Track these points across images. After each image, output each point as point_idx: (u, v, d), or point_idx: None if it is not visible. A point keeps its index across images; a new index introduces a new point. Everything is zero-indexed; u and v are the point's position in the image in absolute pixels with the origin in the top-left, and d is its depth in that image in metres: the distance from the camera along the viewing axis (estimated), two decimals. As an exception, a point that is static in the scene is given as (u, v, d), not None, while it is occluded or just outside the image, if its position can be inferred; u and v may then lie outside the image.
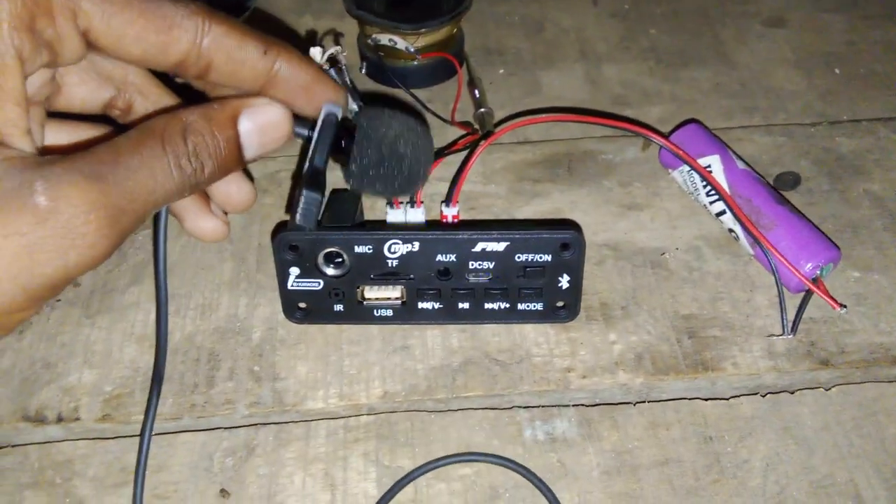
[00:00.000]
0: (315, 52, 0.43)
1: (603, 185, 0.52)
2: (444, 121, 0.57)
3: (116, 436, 0.41)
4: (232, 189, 0.38)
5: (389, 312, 0.44)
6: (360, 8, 0.57)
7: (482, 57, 0.63)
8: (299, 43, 0.64)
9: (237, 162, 0.34)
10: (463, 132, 0.55)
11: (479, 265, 0.43)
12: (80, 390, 0.43)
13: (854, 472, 0.40)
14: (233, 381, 0.43)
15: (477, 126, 0.55)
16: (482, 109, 0.56)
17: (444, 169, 0.53)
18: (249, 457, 0.40)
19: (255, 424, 0.42)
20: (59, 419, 0.42)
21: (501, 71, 0.62)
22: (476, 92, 0.58)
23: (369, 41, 0.58)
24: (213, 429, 0.42)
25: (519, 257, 0.42)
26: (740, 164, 0.48)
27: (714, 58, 0.62)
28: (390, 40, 0.57)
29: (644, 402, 0.43)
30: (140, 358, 0.44)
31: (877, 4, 0.67)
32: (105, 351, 0.44)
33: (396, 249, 0.42)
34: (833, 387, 0.43)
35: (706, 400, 0.43)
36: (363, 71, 0.60)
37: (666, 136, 0.49)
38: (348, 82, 0.43)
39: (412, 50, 0.57)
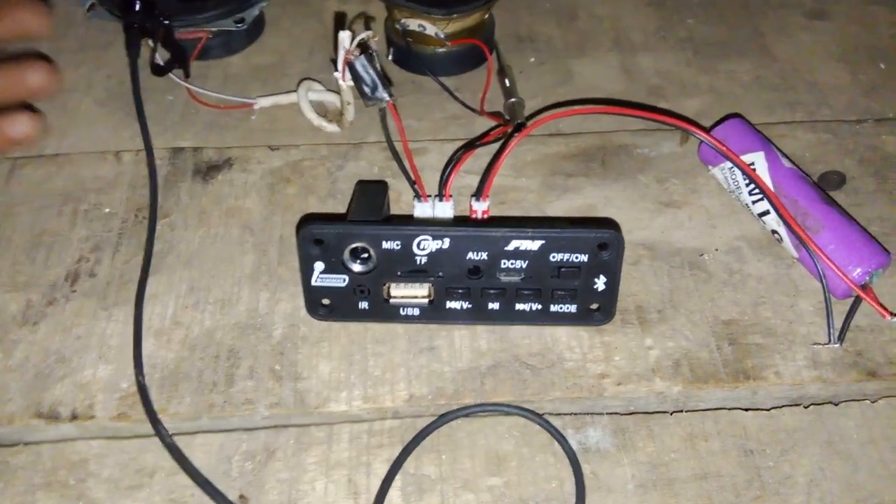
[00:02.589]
0: (344, 36, 0.41)
1: (639, 181, 0.50)
2: (473, 111, 0.55)
3: (133, 435, 0.40)
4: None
5: (416, 311, 0.43)
6: (388, -9, 0.55)
7: (513, 44, 0.60)
8: (327, 28, 0.62)
9: None
10: (493, 123, 0.53)
11: (512, 264, 0.41)
12: (95, 386, 0.41)
13: (904, 491, 0.38)
14: (253, 380, 0.41)
15: (508, 117, 0.53)
16: (513, 99, 0.54)
17: (474, 161, 0.51)
18: (269, 461, 0.39)
19: (276, 426, 0.40)
20: (74, 416, 0.40)
21: (532, 59, 0.59)
22: (506, 81, 0.55)
23: (397, 26, 0.55)
24: (231, 430, 0.40)
25: (554, 257, 0.40)
26: (786, 162, 0.46)
27: (754, 50, 0.60)
28: (420, 25, 0.54)
29: (681, 411, 0.41)
30: (157, 353, 0.42)
31: (925, -4, 0.64)
32: (121, 345, 0.43)
33: (426, 246, 0.40)
34: (879, 399, 0.41)
35: (746, 410, 0.41)
36: (390, 57, 0.58)
37: (707, 131, 0.46)
38: (378, 69, 0.42)
39: (442, 36, 0.55)
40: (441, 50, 0.56)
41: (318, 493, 0.38)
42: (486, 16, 0.57)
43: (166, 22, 0.52)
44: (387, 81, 0.41)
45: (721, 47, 0.60)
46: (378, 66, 0.41)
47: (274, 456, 0.39)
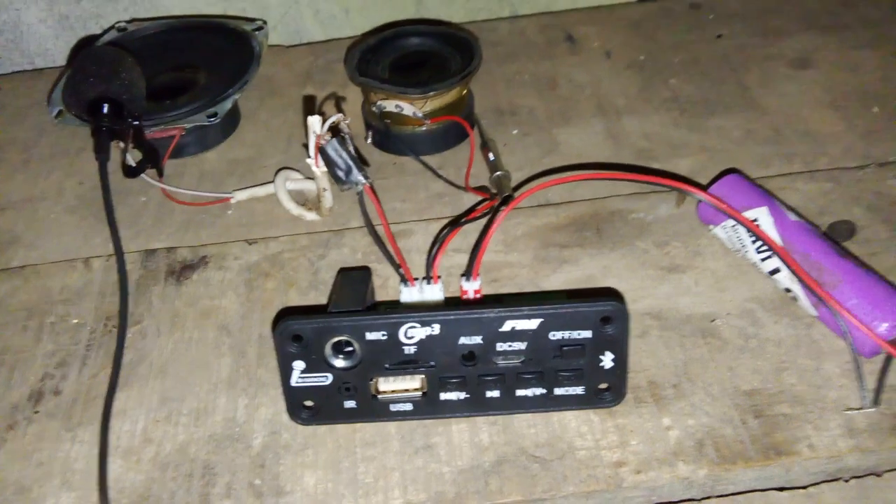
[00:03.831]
0: (314, 120, 0.39)
1: (637, 247, 0.47)
2: (458, 187, 0.52)
3: (99, 571, 0.36)
4: None
5: (409, 406, 0.39)
6: (363, 75, 0.54)
7: (494, 118, 0.59)
8: (299, 113, 0.60)
9: None
10: (479, 198, 0.51)
11: (509, 346, 0.37)
12: (57, 518, 0.37)
13: (974, 573, 0.33)
14: (230, 499, 0.37)
15: (494, 190, 0.50)
16: (498, 173, 0.51)
17: (462, 239, 0.48)
18: (253, 590, 0.34)
19: (259, 549, 0.36)
20: (33, 554, 0.36)
21: (515, 131, 0.58)
22: (490, 155, 0.53)
23: (374, 109, 0.54)
24: (210, 557, 0.36)
25: (554, 335, 0.37)
26: (791, 216, 0.43)
27: (741, 104, 0.58)
28: (397, 106, 0.53)
29: (710, 497, 0.37)
30: (125, 476, 0.38)
31: (909, 38, 0.63)
32: (87, 469, 0.39)
33: (414, 334, 0.37)
34: (929, 467, 0.37)
35: (781, 490, 0.37)
36: (369, 140, 0.56)
37: (704, 189, 0.44)
38: (352, 152, 0.39)
39: (420, 115, 0.53)
40: (421, 129, 0.54)
41: None
42: (465, 91, 0.56)
43: (135, 123, 0.51)
44: (361, 164, 0.39)
45: (707, 104, 0.58)
46: (351, 148, 0.39)
47: (257, 585, 0.35)
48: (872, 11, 0.66)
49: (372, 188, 0.40)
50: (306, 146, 0.41)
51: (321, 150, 0.39)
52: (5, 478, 0.39)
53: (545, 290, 0.45)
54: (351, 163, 0.38)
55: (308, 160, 0.41)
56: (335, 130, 0.39)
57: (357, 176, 0.39)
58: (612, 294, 0.43)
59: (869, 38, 0.63)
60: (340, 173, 0.39)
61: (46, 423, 0.41)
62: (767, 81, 0.60)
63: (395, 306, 0.42)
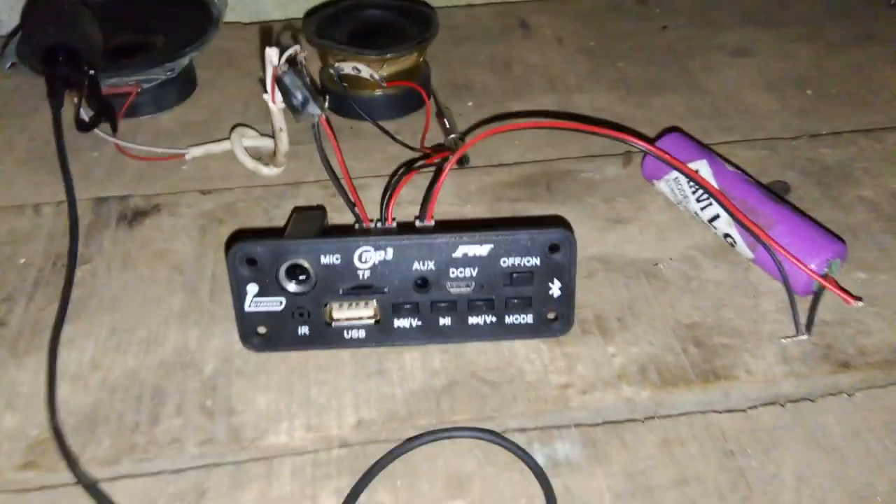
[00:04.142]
0: (271, 52, 0.40)
1: (586, 202, 0.49)
2: (414, 149, 0.54)
3: (41, 486, 0.35)
4: None
5: (362, 334, 0.39)
6: (321, 37, 0.55)
7: (450, 92, 0.61)
8: (260, 88, 0.61)
9: None
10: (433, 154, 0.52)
11: (461, 273, 0.38)
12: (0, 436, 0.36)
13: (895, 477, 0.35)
14: (181, 418, 0.37)
15: (450, 149, 0.52)
16: (453, 135, 0.53)
17: (416, 193, 0.49)
18: (199, 501, 0.34)
19: (207, 465, 0.35)
20: (-29, 471, 0.35)
21: (470, 104, 0.59)
22: (445, 121, 0.55)
23: (332, 71, 0.55)
24: (157, 473, 0.35)
25: (504, 262, 0.38)
26: (729, 167, 0.46)
27: (684, 85, 0.61)
28: (354, 68, 0.54)
29: (653, 418, 0.38)
30: (72, 398, 0.38)
31: (839, 33, 0.67)
32: (32, 392, 0.38)
33: (368, 258, 0.38)
34: (856, 392, 0.39)
35: (721, 413, 0.38)
36: (326, 105, 0.57)
37: (651, 142, 0.46)
38: (308, 83, 0.40)
39: (377, 78, 0.54)
40: (378, 93, 0.56)
41: (256, 535, 0.33)
42: (422, 60, 0.58)
43: (91, 72, 0.51)
44: (317, 95, 0.40)
45: (652, 85, 0.61)
46: (307, 79, 0.40)
47: (205, 496, 0.34)
48: (806, 10, 0.71)
49: (328, 121, 0.41)
50: (262, 80, 0.42)
51: (278, 81, 0.39)
52: (-56, 401, 0.38)
53: (496, 219, 0.46)
54: (307, 93, 0.39)
55: (265, 96, 0.42)
56: (292, 62, 0.40)
57: (313, 107, 0.40)
58: (561, 222, 0.45)
59: (803, 33, 0.67)
60: (297, 103, 0.40)
61: (-10, 352, 0.40)
62: (709, 67, 0.63)
63: (349, 232, 0.42)
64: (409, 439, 0.35)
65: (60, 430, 0.36)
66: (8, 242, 0.47)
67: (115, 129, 0.54)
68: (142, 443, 0.36)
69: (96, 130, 0.53)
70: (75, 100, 0.53)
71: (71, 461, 0.34)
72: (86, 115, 0.53)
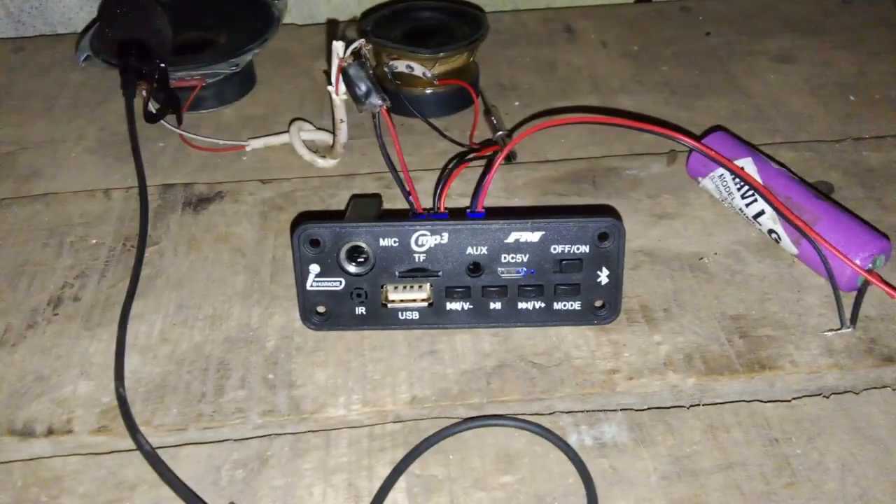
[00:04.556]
0: (338, 45, 0.42)
1: (630, 197, 0.50)
2: (463, 146, 0.55)
3: (112, 450, 0.37)
4: None
5: (415, 315, 0.41)
6: (377, 37, 0.57)
7: (497, 92, 0.62)
8: (317, 84, 0.63)
9: None
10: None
11: (513, 258, 0.40)
12: (74, 402, 0.38)
13: (942, 469, 0.35)
14: (244, 390, 0.39)
15: (498, 143, 0.53)
16: (501, 132, 0.55)
17: (467, 186, 0.51)
18: (262, 468, 0.36)
19: (269, 435, 0.37)
20: (50, 432, 0.37)
21: (517, 103, 0.61)
22: (493, 119, 0.57)
23: (385, 70, 0.57)
24: (221, 441, 0.37)
25: (555, 248, 0.40)
26: (774, 165, 0.47)
27: (728, 89, 0.62)
28: (407, 66, 0.56)
29: (699, 404, 0.39)
30: (142, 369, 0.40)
31: (881, 41, 0.67)
32: (105, 362, 0.40)
33: (424, 242, 0.40)
34: (901, 386, 0.39)
35: (766, 402, 0.39)
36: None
37: (697, 139, 0.47)
38: (371, 75, 0.42)
39: (430, 75, 0.56)
40: (429, 91, 0.58)
41: (315, 499, 0.35)
42: (471, 59, 0.59)
43: (161, 65, 0.54)
44: (380, 87, 0.42)
45: (696, 88, 0.62)
46: (370, 72, 0.42)
47: (267, 463, 0.36)
48: (849, 19, 0.71)
49: (388, 112, 0.43)
50: (327, 73, 0.44)
51: (343, 72, 0.42)
52: (25, 368, 0.40)
53: (547, 207, 0.48)
54: (371, 84, 0.41)
55: (329, 87, 0.44)
56: (357, 55, 0.42)
57: (375, 98, 0.41)
58: (610, 212, 0.46)
59: (846, 41, 0.68)
60: (360, 94, 0.42)
61: (66, 324, 0.43)
62: (752, 72, 0.64)
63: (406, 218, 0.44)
64: (446, 428, 0.37)
65: (125, 399, 0.38)
66: (81, 224, 0.49)
67: (180, 121, 0.57)
68: (207, 412, 0.38)
69: (162, 122, 0.56)
70: (144, 92, 0.56)
71: (133, 429, 0.36)
72: (153, 107, 0.56)
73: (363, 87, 0.42)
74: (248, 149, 0.56)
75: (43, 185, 0.53)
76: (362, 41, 0.42)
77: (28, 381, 0.40)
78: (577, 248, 0.40)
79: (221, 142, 0.56)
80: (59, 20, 0.74)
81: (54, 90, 0.63)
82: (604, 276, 0.40)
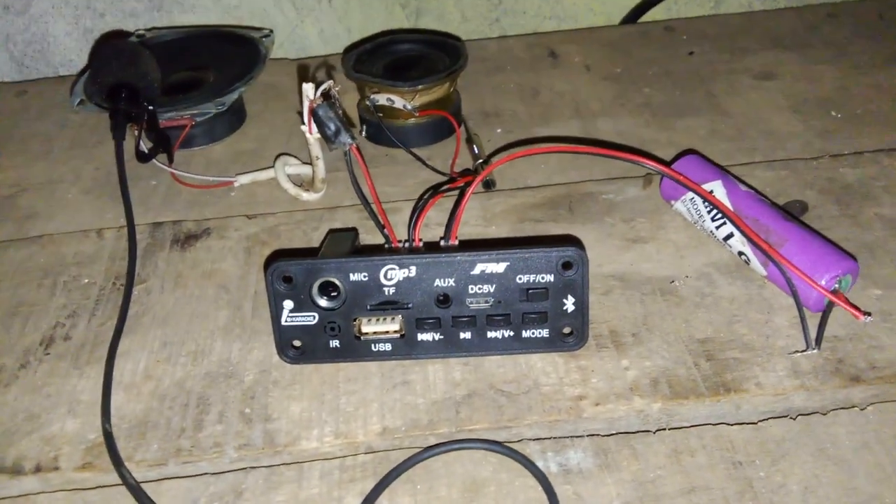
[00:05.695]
0: (307, 87, 0.44)
1: (605, 222, 0.51)
2: (443, 174, 0.57)
3: (97, 486, 0.38)
4: None
5: (388, 347, 0.42)
6: (357, 72, 0.59)
7: (480, 119, 0.64)
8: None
9: None
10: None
11: (480, 289, 0.41)
12: (61, 439, 0.40)
13: (904, 490, 0.36)
14: (222, 424, 0.40)
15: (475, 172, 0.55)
16: (481, 160, 0.56)
17: (443, 216, 0.52)
18: (237, 501, 0.37)
19: (245, 468, 0.39)
20: (38, 469, 0.39)
21: (499, 130, 0.62)
22: (475, 147, 0.58)
23: (368, 103, 0.59)
24: (199, 474, 0.39)
25: (520, 279, 0.41)
26: (743, 187, 0.47)
27: (708, 108, 0.63)
28: (388, 99, 0.58)
29: (664, 429, 0.39)
30: (126, 405, 0.42)
31: (864, 54, 0.68)
32: (91, 400, 0.42)
33: (393, 276, 0.41)
34: (868, 405, 0.40)
35: (732, 425, 0.39)
36: (363, 134, 0.61)
37: (667, 165, 0.48)
38: (340, 115, 0.44)
39: (409, 108, 0.58)
40: (411, 122, 0.59)
41: (287, 530, 0.36)
42: (452, 89, 0.61)
43: (150, 108, 0.56)
44: (349, 126, 0.43)
45: (676, 108, 0.63)
46: (340, 112, 0.43)
47: (242, 496, 0.37)
48: (834, 33, 0.72)
49: (358, 149, 0.44)
50: (300, 113, 0.45)
51: (313, 113, 0.43)
52: (16, 407, 0.42)
53: (514, 238, 0.49)
54: (339, 124, 0.43)
55: (302, 127, 0.46)
56: (326, 96, 0.43)
57: (345, 136, 0.43)
58: (573, 241, 0.47)
59: (830, 56, 0.68)
60: (330, 133, 0.43)
61: (56, 363, 0.44)
62: (733, 90, 0.65)
63: (377, 252, 0.45)
64: (415, 454, 0.38)
65: (111, 435, 0.40)
66: (74, 264, 0.51)
67: (171, 160, 0.59)
68: (186, 446, 0.39)
69: (154, 161, 0.58)
70: (136, 133, 0.58)
71: (118, 463, 0.38)
72: (145, 146, 0.58)
73: (332, 127, 0.43)
74: (236, 184, 0.57)
75: (40, 226, 0.55)
76: (331, 82, 0.43)
77: (18, 420, 0.41)
78: (542, 278, 0.41)
79: (211, 178, 0.58)
80: (61, 62, 0.77)
81: (54, 131, 0.66)
82: (570, 304, 0.41)
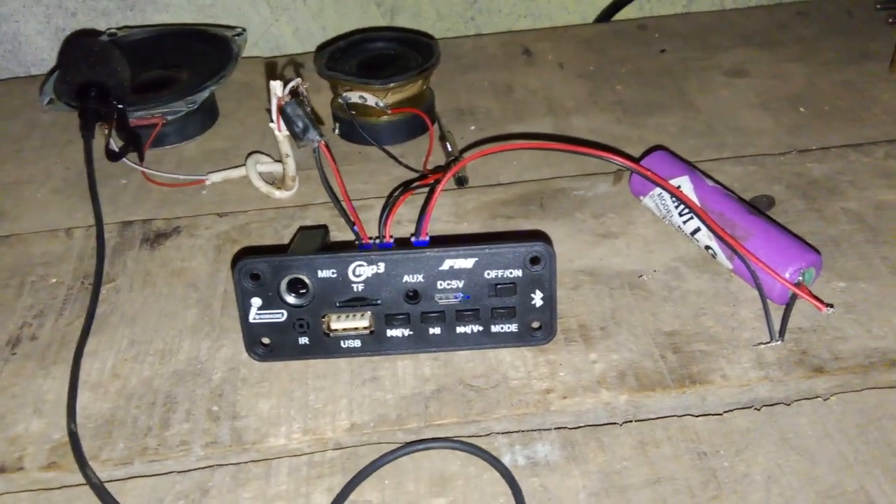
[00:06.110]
0: (275, 85, 0.44)
1: (576, 218, 0.52)
2: (416, 171, 0.57)
3: (62, 485, 0.38)
4: None
5: (357, 343, 0.42)
6: (330, 70, 0.59)
7: (454, 117, 0.64)
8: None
9: None
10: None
11: (448, 285, 0.41)
12: (26, 440, 0.40)
13: (863, 479, 0.36)
14: (189, 423, 0.40)
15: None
16: (453, 158, 0.56)
17: (416, 210, 0.52)
18: (203, 499, 0.37)
19: (212, 466, 0.39)
20: (2, 470, 0.38)
21: (472, 127, 0.62)
22: (448, 145, 0.58)
23: (340, 101, 0.59)
24: (165, 473, 0.38)
25: (489, 274, 0.41)
26: (710, 182, 0.48)
27: (679, 106, 0.63)
28: (360, 97, 0.58)
29: (631, 421, 0.40)
30: (93, 405, 0.41)
31: (833, 51, 0.69)
32: (57, 400, 0.42)
33: (361, 272, 0.41)
34: (831, 396, 0.40)
35: (697, 416, 0.40)
36: (336, 132, 0.61)
37: (635, 161, 0.48)
38: (308, 112, 0.44)
39: (382, 105, 0.58)
40: (384, 119, 0.59)
41: (254, 527, 0.36)
42: (425, 87, 0.61)
43: (119, 106, 0.55)
44: (317, 123, 0.43)
45: (648, 106, 0.64)
46: (308, 109, 0.43)
47: (208, 494, 0.37)
48: (804, 30, 0.73)
49: (327, 146, 0.44)
50: (269, 110, 0.45)
51: (281, 110, 0.43)
52: (-20, 407, 0.42)
53: (483, 234, 0.49)
54: (308, 121, 0.43)
55: (271, 125, 0.46)
56: (294, 93, 0.43)
57: (312, 133, 0.43)
58: (540, 237, 0.47)
59: (799, 53, 0.69)
60: (298, 130, 0.43)
61: (23, 363, 0.44)
62: (704, 87, 0.66)
63: (346, 248, 0.45)
64: (382, 456, 0.38)
65: (76, 435, 0.39)
66: (41, 263, 0.51)
67: (141, 158, 0.58)
68: (153, 445, 0.39)
69: (125, 159, 0.57)
70: (106, 132, 0.57)
71: (82, 463, 0.38)
72: (115, 145, 0.58)
73: (300, 125, 0.43)
74: (207, 183, 0.57)
75: (7, 226, 0.55)
76: (299, 80, 0.43)
77: (-17, 421, 0.41)
78: (510, 273, 0.41)
79: (182, 177, 0.58)
80: (33, 61, 0.76)
81: (24, 131, 0.65)
82: (538, 299, 0.41)
